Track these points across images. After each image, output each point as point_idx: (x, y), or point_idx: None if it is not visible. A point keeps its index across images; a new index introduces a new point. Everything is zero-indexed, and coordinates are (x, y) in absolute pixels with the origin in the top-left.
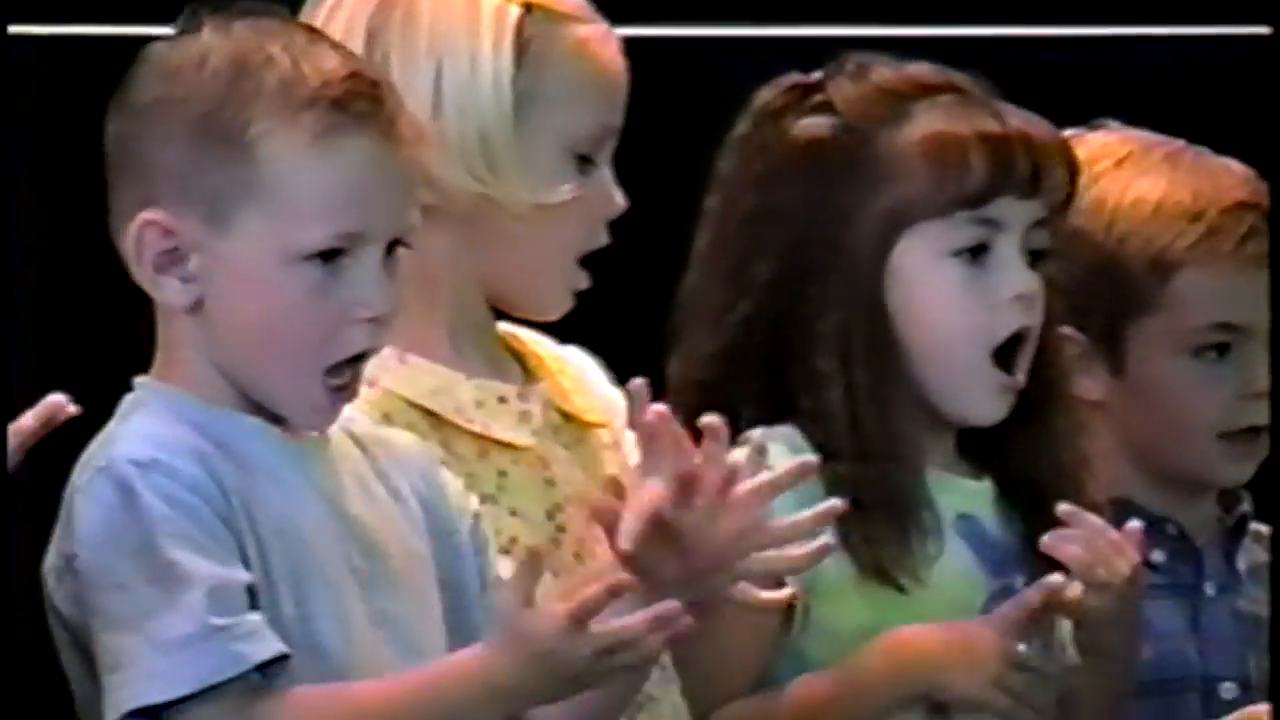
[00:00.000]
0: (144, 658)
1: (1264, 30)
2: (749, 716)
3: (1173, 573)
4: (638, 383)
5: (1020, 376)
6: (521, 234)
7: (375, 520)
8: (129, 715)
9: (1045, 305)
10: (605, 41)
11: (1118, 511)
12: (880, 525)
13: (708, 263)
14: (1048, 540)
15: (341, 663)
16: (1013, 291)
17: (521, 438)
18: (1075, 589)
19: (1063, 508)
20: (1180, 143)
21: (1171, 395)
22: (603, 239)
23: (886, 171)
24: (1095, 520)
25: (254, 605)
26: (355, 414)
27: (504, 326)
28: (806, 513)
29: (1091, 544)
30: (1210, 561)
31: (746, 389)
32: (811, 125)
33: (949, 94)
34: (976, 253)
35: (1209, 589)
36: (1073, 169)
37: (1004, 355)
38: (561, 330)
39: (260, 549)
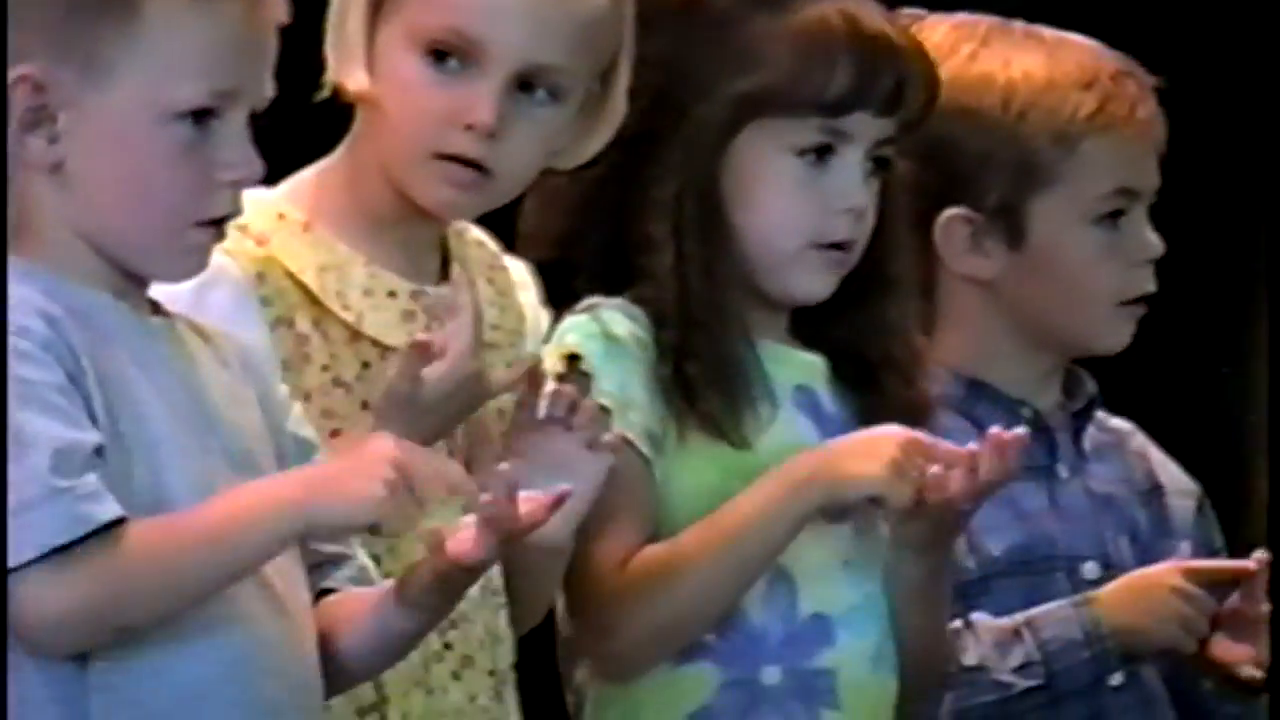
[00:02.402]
0: None
1: None
2: (657, 559)
3: (1028, 455)
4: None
5: (847, 261)
6: (385, 122)
7: (224, 401)
8: None
9: (891, 201)
10: None
11: (970, 392)
12: (710, 389)
13: None
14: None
15: None
16: (846, 204)
17: (391, 336)
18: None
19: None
20: (1019, 21)
21: (1074, 265)
22: (462, 145)
23: (752, 55)
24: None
25: (103, 459)
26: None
27: (459, 223)
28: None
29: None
30: (1062, 444)
31: (592, 243)
32: None
33: None
34: (820, 154)
35: (1062, 471)
36: (931, 90)
37: (831, 248)
38: None
39: (110, 413)
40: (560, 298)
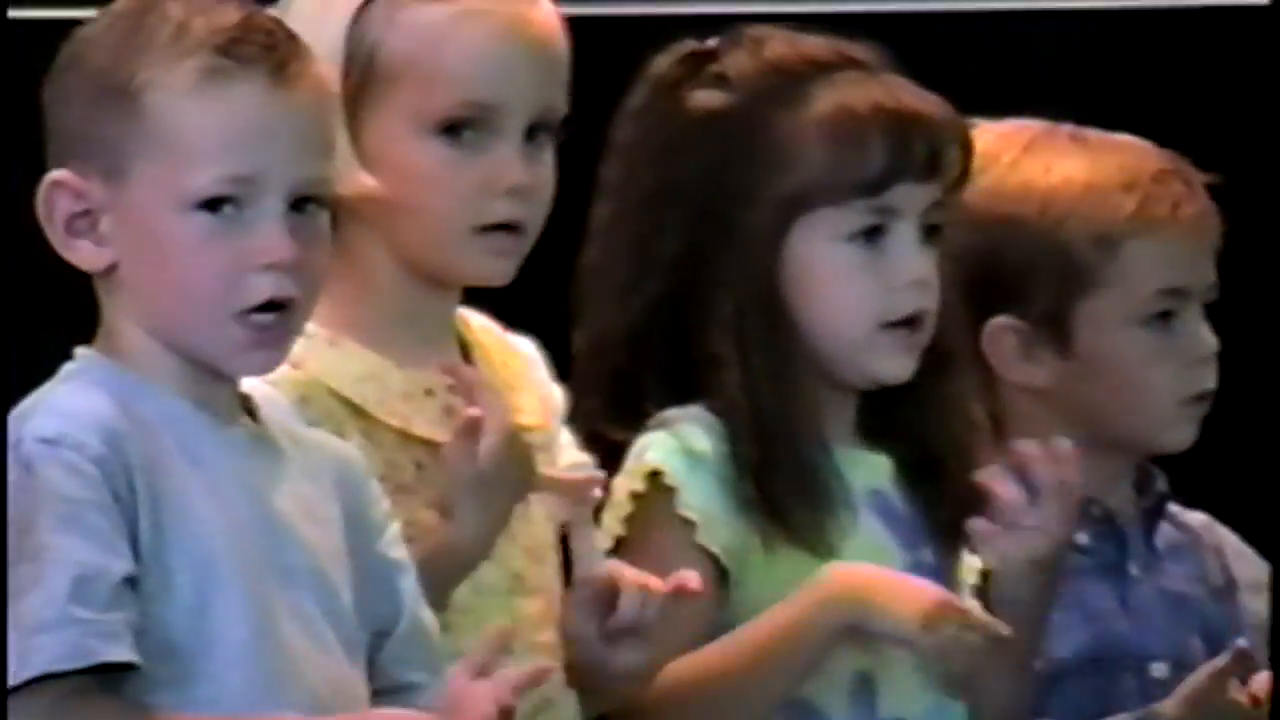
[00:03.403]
0: (8, 638)
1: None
2: (683, 672)
3: (1099, 553)
4: None
5: (921, 338)
6: (407, 213)
7: (298, 517)
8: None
9: (939, 274)
10: (474, 18)
11: None
12: (793, 501)
13: (610, 237)
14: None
15: (247, 651)
16: (909, 277)
17: (441, 433)
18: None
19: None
20: (1069, 126)
21: (1126, 368)
22: (505, 211)
23: (784, 155)
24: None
25: (133, 590)
26: (288, 410)
27: (460, 311)
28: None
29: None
30: (1133, 542)
31: (654, 368)
32: (706, 98)
33: (844, 71)
34: (872, 235)
35: (1133, 569)
36: (967, 147)
37: (903, 326)
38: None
39: (158, 535)
40: (625, 417)
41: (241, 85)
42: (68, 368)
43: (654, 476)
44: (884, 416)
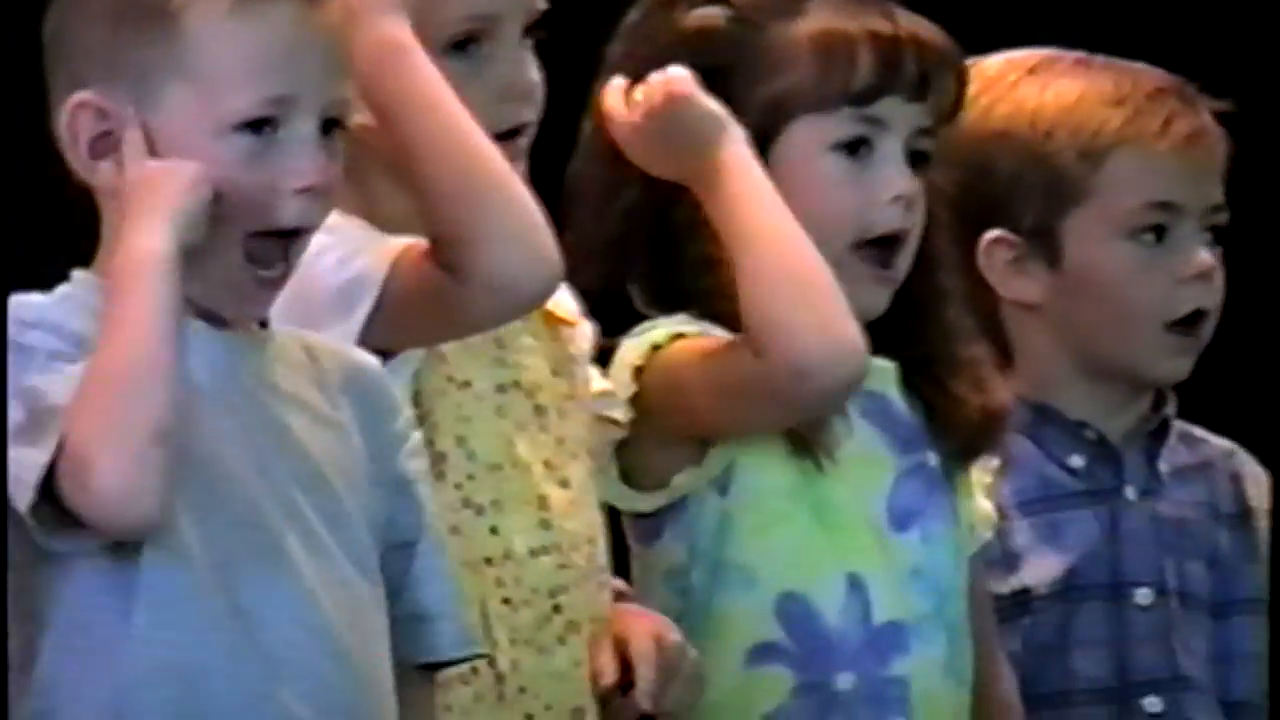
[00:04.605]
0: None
1: None
2: None
3: (1091, 477)
4: None
5: (896, 272)
6: None
7: (303, 421)
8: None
9: (933, 214)
10: None
11: (1036, 416)
12: None
13: (591, 148)
14: None
15: (255, 551)
16: (892, 191)
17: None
18: None
19: None
20: (1078, 53)
21: (1111, 282)
22: (521, 115)
23: (774, 62)
24: None
25: None
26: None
27: None
28: None
29: None
30: (1131, 465)
31: (636, 273)
32: (704, 15)
33: None
34: (857, 149)
35: (1129, 492)
36: (961, 78)
37: (880, 250)
38: None
39: None
40: (611, 325)
41: (278, 5)
42: (60, 290)
43: (658, 347)
44: (885, 336)
